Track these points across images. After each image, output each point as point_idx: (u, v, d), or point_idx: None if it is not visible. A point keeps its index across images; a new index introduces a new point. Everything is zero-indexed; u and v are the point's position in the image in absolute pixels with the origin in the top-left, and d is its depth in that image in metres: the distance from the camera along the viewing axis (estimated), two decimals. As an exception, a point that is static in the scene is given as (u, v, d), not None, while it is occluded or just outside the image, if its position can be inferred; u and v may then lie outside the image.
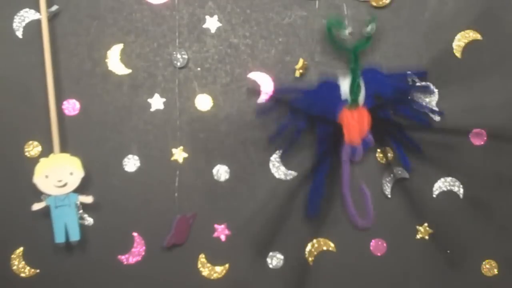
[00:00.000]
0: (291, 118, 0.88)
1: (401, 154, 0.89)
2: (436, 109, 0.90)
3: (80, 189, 0.85)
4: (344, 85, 0.88)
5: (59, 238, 0.85)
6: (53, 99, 0.85)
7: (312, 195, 0.88)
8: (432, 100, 0.91)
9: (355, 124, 0.87)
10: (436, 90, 0.91)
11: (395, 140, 0.89)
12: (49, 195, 0.85)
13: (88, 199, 0.85)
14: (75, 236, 0.85)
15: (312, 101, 0.88)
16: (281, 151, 0.89)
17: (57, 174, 0.84)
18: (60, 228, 0.85)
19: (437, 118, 0.91)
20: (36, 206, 0.85)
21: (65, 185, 0.84)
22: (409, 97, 0.89)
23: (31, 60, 0.87)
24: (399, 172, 0.90)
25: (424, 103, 0.90)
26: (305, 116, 0.88)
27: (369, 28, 0.87)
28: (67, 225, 0.85)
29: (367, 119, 0.87)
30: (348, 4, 0.91)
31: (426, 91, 0.90)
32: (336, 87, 0.88)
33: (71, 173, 0.85)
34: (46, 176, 0.84)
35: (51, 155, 0.85)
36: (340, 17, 0.88)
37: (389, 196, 0.91)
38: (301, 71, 0.89)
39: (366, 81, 0.88)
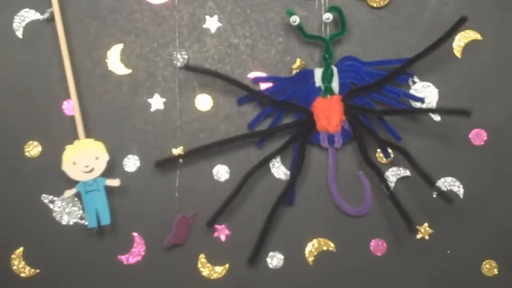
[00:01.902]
0: (269, 106, 0.89)
1: (387, 127, 0.89)
2: (416, 95, 0.90)
3: (106, 174, 0.85)
4: (318, 73, 0.88)
5: (92, 223, 0.85)
6: (74, 92, 0.86)
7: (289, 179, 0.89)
8: (432, 100, 0.91)
9: (327, 111, 0.88)
10: (436, 89, 0.91)
11: (371, 127, 0.89)
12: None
13: (115, 182, 0.85)
14: (106, 220, 0.85)
15: (287, 89, 0.89)
16: (260, 140, 0.89)
17: (84, 160, 0.84)
18: (92, 213, 0.85)
19: (437, 118, 0.91)
20: (68, 193, 0.85)
21: (92, 170, 0.85)
22: (385, 85, 0.88)
23: (31, 60, 0.87)
24: (399, 171, 0.91)
25: (406, 92, 0.90)
26: (280, 104, 0.88)
27: (325, 16, 0.87)
28: (98, 210, 0.85)
29: (340, 106, 0.88)
30: (347, 4, 0.91)
31: (407, 79, 0.90)
32: (311, 76, 0.89)
33: (97, 158, 0.85)
34: (74, 163, 0.84)
35: (76, 142, 0.85)
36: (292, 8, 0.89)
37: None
38: (297, 70, 0.89)
39: (342, 70, 0.89)
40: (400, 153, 0.87)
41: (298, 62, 0.89)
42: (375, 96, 0.89)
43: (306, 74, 0.89)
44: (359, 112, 0.89)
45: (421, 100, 0.90)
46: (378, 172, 0.87)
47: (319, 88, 0.89)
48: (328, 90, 0.89)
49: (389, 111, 0.89)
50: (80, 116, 0.86)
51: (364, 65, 0.90)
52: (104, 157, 0.85)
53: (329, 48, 0.89)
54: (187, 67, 0.88)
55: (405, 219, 0.87)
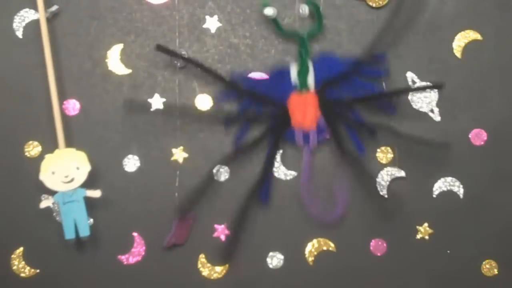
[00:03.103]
0: (245, 102, 0.88)
1: (353, 137, 0.88)
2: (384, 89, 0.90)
3: (87, 184, 0.85)
4: (294, 69, 0.88)
5: (69, 235, 0.84)
6: (56, 97, 0.85)
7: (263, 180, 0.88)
8: (432, 100, 0.91)
9: (302, 106, 0.87)
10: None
11: (347, 122, 0.89)
12: (55, 192, 0.84)
13: (96, 193, 0.84)
14: (85, 232, 0.84)
15: (263, 85, 0.89)
16: (236, 138, 0.89)
17: (64, 170, 0.83)
18: (69, 224, 0.84)
19: (437, 118, 0.91)
20: (44, 204, 0.84)
21: (72, 180, 0.83)
22: (355, 74, 0.88)
23: (31, 60, 0.87)
24: (394, 173, 0.91)
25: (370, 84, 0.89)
26: (254, 95, 0.88)
27: (300, 10, 0.87)
28: (76, 221, 0.84)
29: (315, 101, 0.88)
30: (347, 4, 0.91)
31: (380, 73, 0.90)
32: (287, 72, 0.89)
33: (78, 168, 0.84)
34: (53, 172, 0.83)
35: (56, 151, 0.85)
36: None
37: (386, 196, 0.91)
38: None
39: (318, 66, 0.89)
40: (370, 132, 0.87)
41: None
42: (350, 91, 0.89)
43: (282, 71, 0.89)
44: (332, 105, 0.88)
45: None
46: (351, 161, 0.87)
47: (295, 84, 0.89)
48: (304, 85, 0.88)
49: (362, 98, 0.88)
50: (60, 124, 0.85)
51: (339, 61, 0.89)
52: (86, 167, 0.84)
53: (305, 44, 0.88)
54: (157, 47, 0.86)
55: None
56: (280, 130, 0.89)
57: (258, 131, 0.89)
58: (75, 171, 0.84)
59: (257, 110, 0.89)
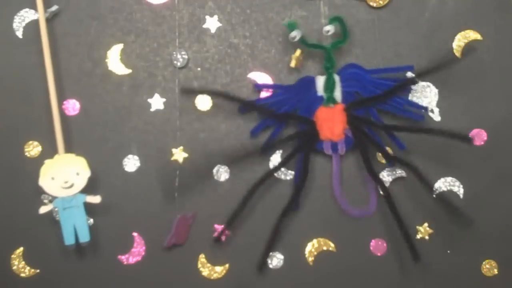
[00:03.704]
0: (270, 116, 0.88)
1: (391, 137, 0.89)
2: (419, 103, 0.90)
3: (86, 189, 0.84)
4: (320, 82, 0.88)
5: (69, 241, 0.83)
6: (55, 99, 0.85)
7: (294, 190, 0.89)
8: (432, 100, 0.91)
9: (330, 121, 0.88)
10: (436, 89, 0.91)
11: (373, 138, 0.89)
12: (55, 197, 0.83)
13: (95, 199, 0.84)
14: (85, 238, 0.84)
15: (288, 100, 0.89)
16: (262, 150, 0.89)
17: (63, 175, 0.83)
18: (69, 230, 0.83)
19: (437, 118, 0.91)
20: (43, 210, 0.83)
21: (71, 186, 0.83)
22: (389, 94, 0.88)
23: (31, 60, 0.87)
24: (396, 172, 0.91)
25: (409, 99, 0.90)
26: (281, 117, 0.88)
27: (326, 29, 0.87)
28: (76, 226, 0.83)
29: (342, 116, 0.88)
30: (347, 4, 0.91)
31: (410, 85, 0.89)
32: (313, 84, 0.89)
33: (78, 174, 0.83)
34: (52, 178, 0.83)
35: (56, 156, 0.84)
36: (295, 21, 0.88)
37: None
38: (295, 61, 0.89)
39: (345, 78, 0.89)
40: (409, 169, 0.88)
41: (298, 53, 0.89)
42: (378, 105, 0.89)
43: (308, 83, 0.89)
44: (362, 124, 0.89)
45: (425, 108, 0.90)
46: (381, 184, 0.88)
47: (321, 97, 0.89)
48: (331, 100, 0.88)
49: (392, 127, 0.88)
50: (60, 129, 0.85)
51: (367, 73, 0.89)
52: (85, 173, 0.84)
53: (330, 56, 0.88)
54: (184, 90, 0.88)
55: (410, 248, 0.88)
56: (309, 146, 0.89)
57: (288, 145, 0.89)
58: (75, 177, 0.83)
59: (282, 125, 0.89)
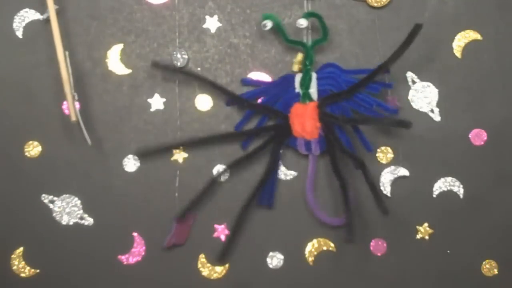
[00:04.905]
0: (246, 107, 0.89)
1: (360, 137, 0.88)
2: (388, 106, 0.88)
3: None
4: (298, 79, 0.89)
5: None
6: (70, 94, 0.84)
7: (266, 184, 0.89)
8: (432, 100, 0.92)
9: (301, 117, 0.88)
10: (436, 89, 0.91)
11: (345, 135, 0.88)
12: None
13: None
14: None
15: (267, 93, 0.89)
16: (244, 141, 0.89)
17: None
18: None
19: (437, 118, 0.91)
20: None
21: None
22: (357, 87, 0.87)
23: (31, 60, 0.87)
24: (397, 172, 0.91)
25: (379, 101, 0.88)
26: (257, 107, 0.89)
27: (300, 22, 0.87)
28: None
29: (314, 113, 0.88)
30: (347, 4, 0.91)
31: (378, 88, 0.88)
32: (292, 81, 0.89)
33: None
34: None
35: None
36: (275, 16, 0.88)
37: (389, 195, 0.91)
38: (298, 65, 0.89)
39: (322, 77, 0.89)
40: (356, 163, 0.86)
41: (299, 57, 0.89)
42: (350, 104, 0.89)
43: (288, 79, 0.89)
44: (330, 120, 0.88)
45: (394, 111, 0.89)
46: (342, 184, 0.86)
47: (299, 93, 0.89)
48: (306, 96, 0.89)
49: (358, 120, 0.88)
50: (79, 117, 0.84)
51: (343, 72, 0.89)
52: None
53: (310, 54, 0.88)
54: (154, 64, 0.87)
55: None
56: (282, 139, 0.89)
57: (262, 138, 0.89)
58: None
59: (262, 120, 0.89)
